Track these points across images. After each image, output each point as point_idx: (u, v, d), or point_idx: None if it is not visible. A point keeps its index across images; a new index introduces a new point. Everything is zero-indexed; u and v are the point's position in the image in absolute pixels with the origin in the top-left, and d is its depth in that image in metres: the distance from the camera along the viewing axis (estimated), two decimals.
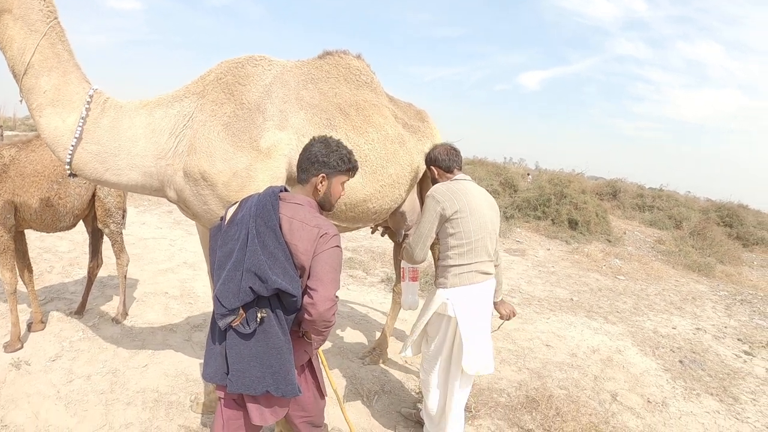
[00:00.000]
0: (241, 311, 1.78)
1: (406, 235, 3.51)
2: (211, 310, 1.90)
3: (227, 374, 1.83)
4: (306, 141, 2.08)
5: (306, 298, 1.79)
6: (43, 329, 3.96)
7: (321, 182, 1.97)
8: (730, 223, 14.47)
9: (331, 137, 2.02)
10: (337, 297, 1.81)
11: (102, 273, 5.06)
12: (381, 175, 2.99)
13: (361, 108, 3.04)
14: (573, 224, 11.37)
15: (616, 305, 6.73)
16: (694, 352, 5.27)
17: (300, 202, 1.91)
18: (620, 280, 8.21)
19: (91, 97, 2.43)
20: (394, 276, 4.18)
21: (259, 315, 1.77)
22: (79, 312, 4.28)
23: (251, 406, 1.85)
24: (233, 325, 1.78)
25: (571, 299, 6.73)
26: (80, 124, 2.40)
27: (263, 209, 1.81)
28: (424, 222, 2.66)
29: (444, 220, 2.59)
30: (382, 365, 4.01)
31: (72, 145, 2.40)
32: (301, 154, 2.00)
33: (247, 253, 1.76)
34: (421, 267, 3.65)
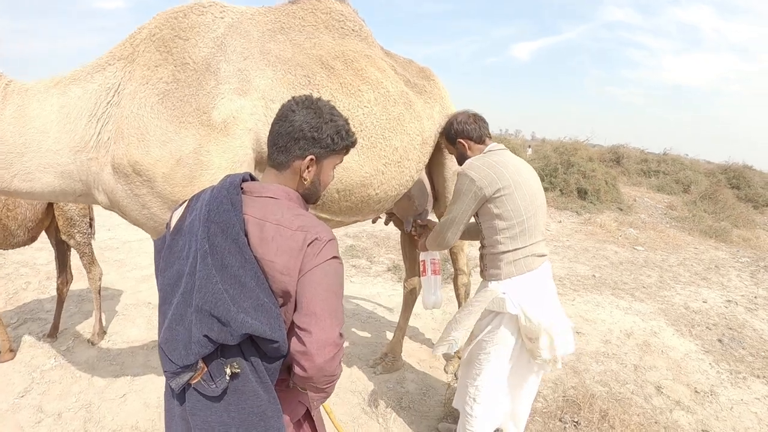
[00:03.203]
0: (202, 364, 1.18)
1: (415, 223, 2.90)
2: None
3: None
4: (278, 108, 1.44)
5: (295, 344, 1.17)
6: (12, 358, 3.45)
7: (309, 167, 1.31)
8: (738, 185, 14.19)
9: (319, 98, 1.35)
10: (341, 336, 1.20)
11: (81, 285, 4.60)
12: (383, 148, 2.36)
13: (351, 60, 2.37)
14: (582, 194, 10.88)
15: (641, 279, 6.28)
16: (730, 329, 4.88)
17: (274, 195, 1.27)
18: (639, 251, 7.75)
19: None
20: (403, 265, 3.69)
21: (228, 370, 1.17)
22: (52, 335, 3.76)
23: None
24: (192, 383, 1.19)
25: (593, 276, 6.26)
26: None
27: (218, 209, 1.18)
28: (457, 205, 2.17)
29: (484, 201, 2.10)
30: (397, 373, 3.52)
31: None
32: (275, 125, 1.32)
33: (197, 282, 1.15)
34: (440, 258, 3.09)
